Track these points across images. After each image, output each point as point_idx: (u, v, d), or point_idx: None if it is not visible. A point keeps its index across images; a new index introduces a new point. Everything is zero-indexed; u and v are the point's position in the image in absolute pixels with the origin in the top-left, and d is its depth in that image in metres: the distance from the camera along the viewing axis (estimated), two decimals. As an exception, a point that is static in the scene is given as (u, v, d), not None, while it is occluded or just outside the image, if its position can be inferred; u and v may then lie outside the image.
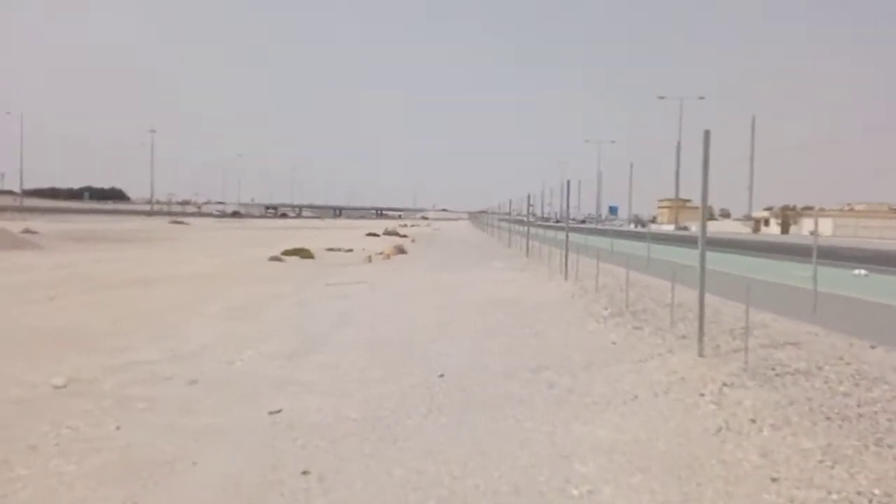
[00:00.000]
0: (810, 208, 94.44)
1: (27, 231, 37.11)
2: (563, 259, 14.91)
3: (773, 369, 5.51)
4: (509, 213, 36.18)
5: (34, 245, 30.82)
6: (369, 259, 25.89)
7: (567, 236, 14.70)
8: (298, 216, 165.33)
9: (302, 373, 7.37)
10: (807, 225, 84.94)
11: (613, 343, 7.31)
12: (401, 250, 31.15)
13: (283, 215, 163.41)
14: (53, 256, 26.16)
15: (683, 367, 5.89)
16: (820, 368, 5.58)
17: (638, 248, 25.01)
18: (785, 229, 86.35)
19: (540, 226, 29.39)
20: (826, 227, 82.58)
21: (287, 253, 27.53)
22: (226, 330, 10.33)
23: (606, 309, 9.52)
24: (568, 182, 14.93)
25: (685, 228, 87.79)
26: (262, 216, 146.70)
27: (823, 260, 11.21)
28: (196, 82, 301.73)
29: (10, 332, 9.47)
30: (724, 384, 5.27)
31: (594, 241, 22.22)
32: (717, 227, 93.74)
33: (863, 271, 16.24)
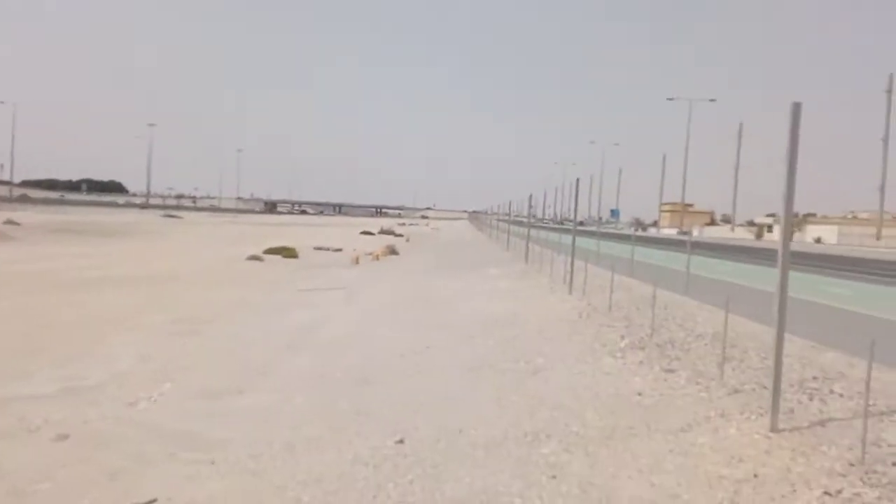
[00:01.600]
0: (813, 215, 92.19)
1: (10, 222, 35.28)
2: (568, 268, 12.99)
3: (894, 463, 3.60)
4: (509, 214, 34.24)
5: (6, 237, 28.98)
6: (356, 260, 23.97)
7: (574, 241, 12.75)
8: (303, 212, 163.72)
9: (218, 425, 5.45)
10: (811, 232, 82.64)
11: (639, 395, 5.39)
12: (392, 251, 29.23)
13: (303, 211, 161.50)
14: (20, 250, 24.30)
15: (751, 451, 3.98)
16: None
17: (641, 254, 23.05)
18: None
19: (540, 227, 27.45)
20: (830, 235, 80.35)
21: (270, 251, 25.62)
22: (156, 350, 8.42)
23: (623, 338, 7.60)
24: (577, 180, 13.01)
25: (686, 233, 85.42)
26: (262, 211, 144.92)
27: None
28: (197, 77, 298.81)
29: None
30: (828, 493, 3.35)
31: (606, 247, 20.29)
32: (719, 233, 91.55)
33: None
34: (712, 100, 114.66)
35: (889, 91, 45.76)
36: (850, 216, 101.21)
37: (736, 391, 5.21)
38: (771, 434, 4.16)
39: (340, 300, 13.24)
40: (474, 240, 45.00)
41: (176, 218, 71.23)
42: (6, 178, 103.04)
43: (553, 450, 4.35)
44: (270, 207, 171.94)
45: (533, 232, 24.67)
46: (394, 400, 5.94)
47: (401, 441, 4.76)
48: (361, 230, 53.16)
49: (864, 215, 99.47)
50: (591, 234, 26.83)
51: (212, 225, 59.48)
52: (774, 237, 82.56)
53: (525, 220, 36.65)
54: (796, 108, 4.12)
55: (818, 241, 77.84)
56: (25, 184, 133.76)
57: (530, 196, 22.62)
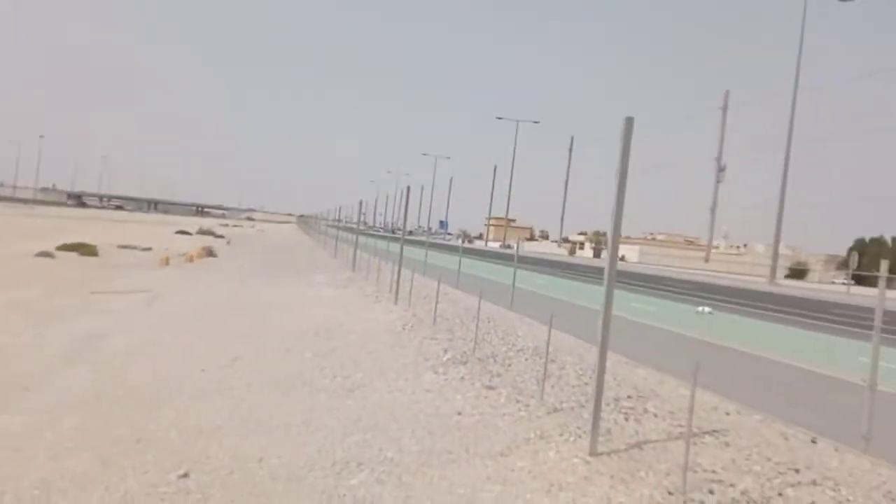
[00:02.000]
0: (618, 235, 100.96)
1: None
2: (395, 277, 12.65)
3: (712, 491, 3.54)
4: (339, 220, 33.49)
5: None
6: (166, 261, 22.00)
7: (402, 250, 12.43)
8: (118, 208, 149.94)
9: (-51, 459, 4.36)
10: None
11: (459, 414, 5.09)
12: (210, 253, 27.31)
13: (119, 206, 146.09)
14: None
15: (570, 477, 3.77)
16: None
17: (478, 267, 23.56)
18: (597, 254, 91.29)
19: (371, 235, 27.06)
20: (633, 254, 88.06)
21: (64, 248, 22.84)
22: None
23: (446, 351, 7.33)
24: (408, 188, 12.72)
25: (509, 246, 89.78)
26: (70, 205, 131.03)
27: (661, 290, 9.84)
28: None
29: None
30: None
31: (435, 257, 20.27)
32: (537, 248, 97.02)
33: (706, 308, 15.70)
34: (536, 122, 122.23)
35: (724, 108, 50.18)
36: (648, 237, 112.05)
37: (555, 410, 5.06)
38: (590, 458, 4.00)
39: (140, 305, 11.85)
40: (302, 244, 43.62)
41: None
42: None
43: (363, 480, 3.88)
44: (77, 200, 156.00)
45: (363, 239, 24.22)
46: (185, 423, 5.14)
47: (185, 475, 4.04)
48: (178, 229, 49.56)
49: (661, 237, 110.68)
50: (421, 244, 26.89)
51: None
52: (585, 254, 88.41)
53: (356, 226, 36.14)
54: (629, 123, 4.02)
55: (622, 259, 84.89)
56: None
57: (360, 202, 22.14)
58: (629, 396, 5.41)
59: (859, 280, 55.99)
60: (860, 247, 62.55)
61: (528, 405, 5.23)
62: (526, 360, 6.91)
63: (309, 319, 10.24)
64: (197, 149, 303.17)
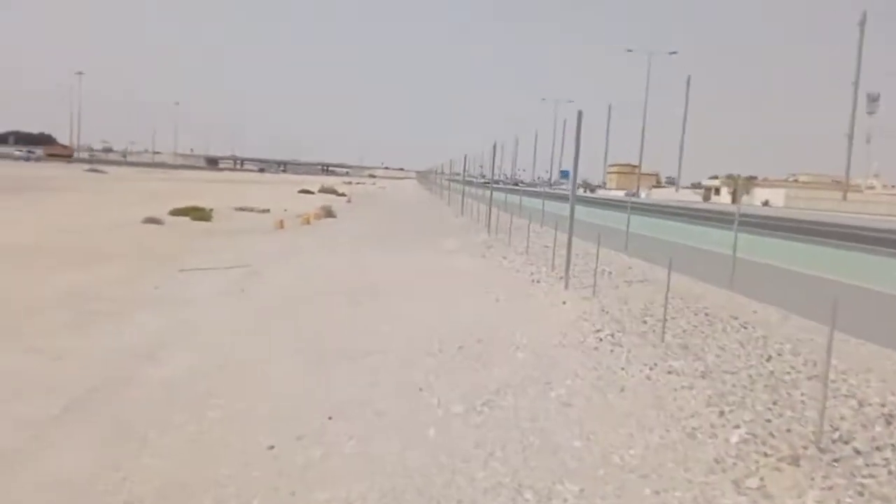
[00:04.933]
0: (754, 178, 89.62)
1: None
2: (549, 243, 9.08)
3: None
4: (461, 173, 30.18)
5: None
6: (281, 224, 19.64)
7: (573, 209, 8.69)
8: (261, 170, 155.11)
9: None
10: (759, 195, 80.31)
11: None
12: (329, 213, 24.92)
13: (261, 169, 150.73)
14: None
15: None
16: None
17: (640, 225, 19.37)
18: (735, 198, 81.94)
19: (497, 189, 23.50)
20: (778, 198, 77.93)
21: (177, 212, 21.07)
22: None
23: (722, 414, 3.78)
24: (579, 113, 8.95)
25: (634, 195, 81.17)
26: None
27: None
28: (132, 24, 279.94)
29: None
30: None
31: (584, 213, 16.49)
32: (665, 195, 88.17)
33: None
34: (673, 52, 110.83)
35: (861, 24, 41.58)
36: (790, 179, 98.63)
37: None
38: None
39: (229, 290, 9.09)
40: (423, 201, 40.90)
41: (100, 173, 64.58)
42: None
43: None
44: (212, 164, 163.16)
45: (490, 194, 20.85)
46: None
47: None
48: (301, 189, 48.37)
49: (804, 178, 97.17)
50: (550, 196, 23.18)
51: (138, 181, 53.63)
52: (722, 199, 78.18)
53: (477, 179, 32.60)
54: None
55: (766, 204, 75.10)
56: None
57: (494, 147, 18.64)
58: None
59: None
60: None
61: None
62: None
63: (446, 315, 6.98)
64: (322, 109, 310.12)
